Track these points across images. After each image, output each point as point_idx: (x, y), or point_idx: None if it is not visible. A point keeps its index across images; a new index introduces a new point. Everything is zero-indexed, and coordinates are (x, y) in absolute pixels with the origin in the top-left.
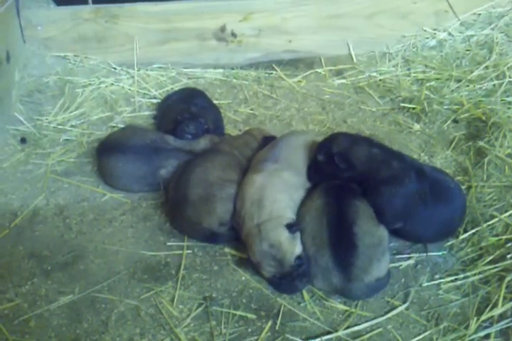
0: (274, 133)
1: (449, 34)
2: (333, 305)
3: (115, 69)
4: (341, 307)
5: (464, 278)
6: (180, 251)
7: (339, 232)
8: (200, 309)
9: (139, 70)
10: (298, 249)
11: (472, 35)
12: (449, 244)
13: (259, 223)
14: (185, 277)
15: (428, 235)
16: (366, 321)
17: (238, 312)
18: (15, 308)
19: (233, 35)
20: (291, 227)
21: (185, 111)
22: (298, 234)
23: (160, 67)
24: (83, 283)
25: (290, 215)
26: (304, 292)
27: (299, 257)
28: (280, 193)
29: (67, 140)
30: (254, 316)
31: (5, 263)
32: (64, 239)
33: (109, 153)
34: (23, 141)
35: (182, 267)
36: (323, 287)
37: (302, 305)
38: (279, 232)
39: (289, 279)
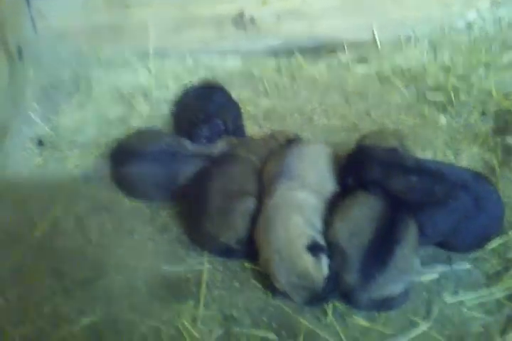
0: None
1: (479, 15)
2: (356, 321)
3: (130, 60)
4: (363, 323)
5: (489, 294)
6: (201, 266)
7: (381, 244)
8: (221, 330)
9: (154, 60)
10: (325, 271)
11: (504, 17)
12: (474, 256)
13: (280, 248)
14: (205, 295)
15: (467, 245)
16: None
17: (259, 334)
18: (37, 331)
19: (252, 21)
20: (313, 249)
21: (201, 111)
22: (323, 255)
23: (177, 57)
24: (103, 302)
25: (310, 232)
26: (327, 308)
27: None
28: (296, 214)
29: (84, 141)
30: (275, 337)
31: (26, 280)
32: (83, 252)
33: (124, 161)
34: (40, 143)
35: (204, 285)
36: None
37: (324, 322)
38: (304, 260)
39: (322, 296)
